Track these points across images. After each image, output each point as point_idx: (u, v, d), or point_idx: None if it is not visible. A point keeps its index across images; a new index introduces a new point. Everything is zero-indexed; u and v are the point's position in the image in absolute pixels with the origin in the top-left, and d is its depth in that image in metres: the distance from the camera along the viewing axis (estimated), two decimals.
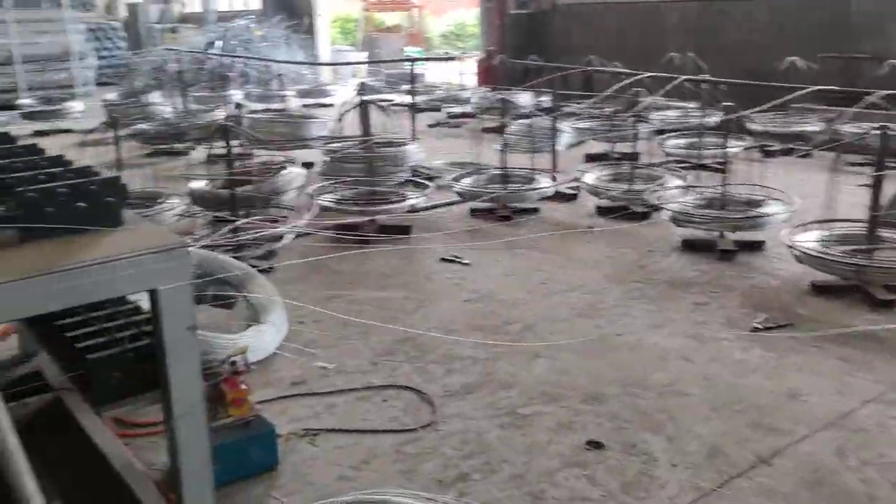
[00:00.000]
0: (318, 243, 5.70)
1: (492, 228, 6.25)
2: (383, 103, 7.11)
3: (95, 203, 2.05)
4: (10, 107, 14.24)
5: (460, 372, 3.75)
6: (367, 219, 5.99)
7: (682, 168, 7.09)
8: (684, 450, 3.07)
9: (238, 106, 7.16)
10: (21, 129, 12.53)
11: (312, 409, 3.44)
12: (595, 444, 3.11)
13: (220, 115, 7.61)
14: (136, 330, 2.22)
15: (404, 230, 6.03)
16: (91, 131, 6.84)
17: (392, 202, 6.28)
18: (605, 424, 3.26)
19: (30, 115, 12.92)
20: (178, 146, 9.99)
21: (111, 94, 14.38)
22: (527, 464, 2.99)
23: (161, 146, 10.13)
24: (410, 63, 8.48)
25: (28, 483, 2.59)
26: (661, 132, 8.65)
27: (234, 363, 2.93)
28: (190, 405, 2.05)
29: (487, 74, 13.83)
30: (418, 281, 5.08)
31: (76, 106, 13.28)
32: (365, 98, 6.33)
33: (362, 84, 7.92)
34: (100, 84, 17.71)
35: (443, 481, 2.90)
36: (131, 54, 19.77)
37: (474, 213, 6.64)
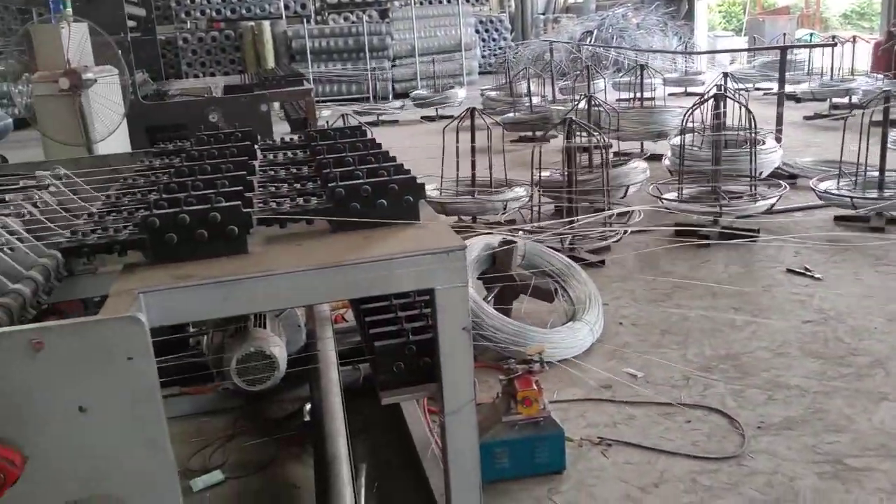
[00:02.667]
0: (654, 242, 5.51)
1: (858, 239, 5.46)
2: (744, 94, 6.57)
3: (395, 201, 2.18)
4: (406, 94, 16.01)
5: (783, 403, 3.35)
6: (710, 219, 5.62)
7: None
8: None
9: (589, 97, 7.12)
10: (411, 115, 14.05)
11: (611, 417, 3.33)
12: None
13: (582, 105, 7.69)
14: (423, 323, 2.32)
15: (751, 234, 5.54)
16: (457, 118, 7.36)
17: (741, 203, 5.81)
18: None
19: (420, 103, 14.36)
20: (540, 134, 10.36)
21: (490, 83, 15.42)
22: None
23: (525, 133, 10.61)
24: (781, 49, 7.69)
25: (340, 444, 2.91)
26: None
27: (530, 361, 2.95)
28: (460, 404, 2.10)
29: (886, 59, 12.09)
30: (755, 293, 4.63)
31: (459, 94, 14.44)
32: (719, 90, 5.91)
33: (725, 74, 7.39)
34: (483, 73, 19.05)
35: None
36: (513, 45, 20.90)
37: (840, 220, 5.86)
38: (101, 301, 2.84)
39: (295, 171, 2.68)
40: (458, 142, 6.50)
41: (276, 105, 10.75)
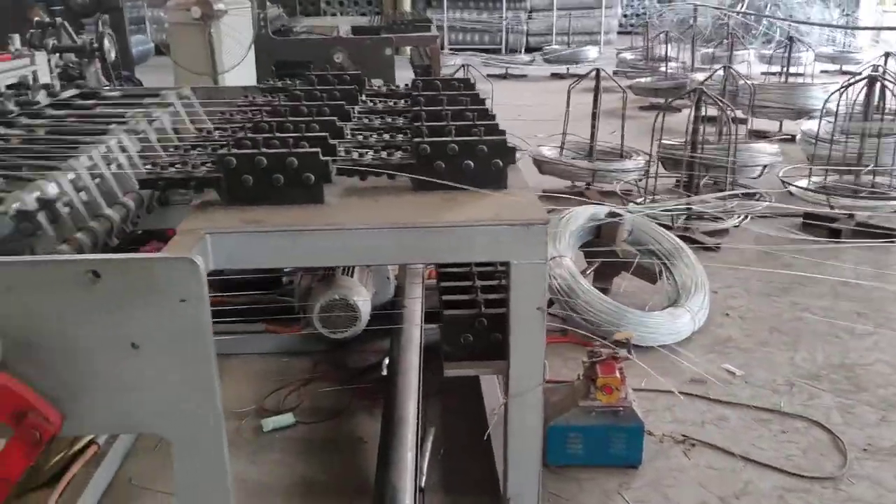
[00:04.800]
0: (777, 230, 5.12)
1: None
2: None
3: (482, 163, 2.04)
4: (539, 49, 15.62)
5: None
6: (843, 212, 5.16)
7: None
8: None
9: (726, 67, 6.66)
10: (540, 71, 13.70)
11: (701, 415, 3.11)
12: None
13: (719, 74, 7.23)
14: (500, 296, 2.19)
15: (891, 234, 5.05)
16: (581, 77, 7.04)
17: (886, 196, 5.31)
18: None
19: (551, 59, 13.98)
20: (673, 102, 9.86)
21: (629, 44, 14.81)
22: None
23: (656, 101, 10.13)
24: None
25: (410, 406, 2.84)
26: None
27: (615, 347, 2.78)
28: (526, 387, 1.98)
29: None
30: (884, 299, 4.21)
31: (592, 52, 13.95)
32: (874, 73, 5.37)
33: (887, 54, 6.72)
34: (622, 33, 18.31)
35: None
36: (658, 5, 19.97)
37: None
38: None
39: (390, 121, 2.58)
40: (568, 105, 6.23)
41: (408, 50, 10.69)
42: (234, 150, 1.94)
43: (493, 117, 2.46)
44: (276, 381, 3.29)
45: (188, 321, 1.57)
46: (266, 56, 6.85)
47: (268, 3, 7.30)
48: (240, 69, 6.06)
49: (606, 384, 2.69)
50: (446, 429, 2.96)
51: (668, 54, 11.17)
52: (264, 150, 1.94)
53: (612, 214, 4.04)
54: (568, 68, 13.28)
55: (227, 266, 1.83)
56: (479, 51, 16.09)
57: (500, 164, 2.05)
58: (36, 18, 4.19)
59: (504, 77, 12.83)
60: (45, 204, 1.84)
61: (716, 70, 6.90)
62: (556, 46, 15.09)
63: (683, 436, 2.96)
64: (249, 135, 2.10)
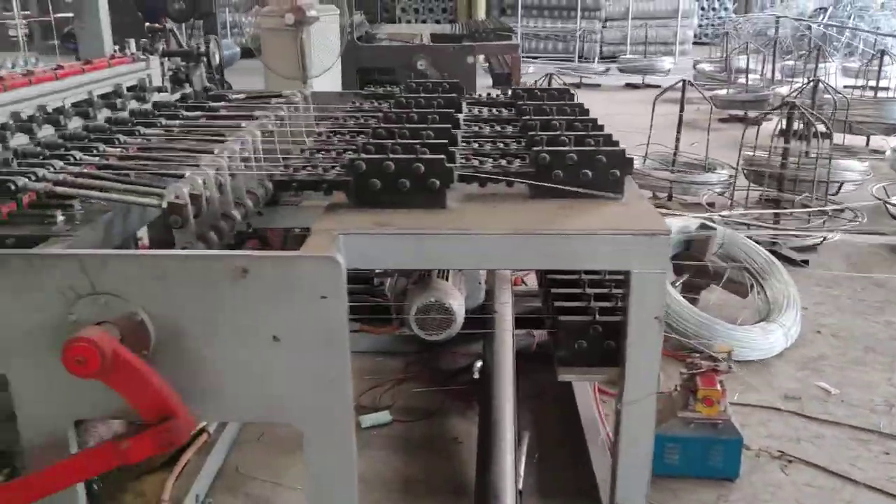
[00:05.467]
0: (869, 247, 5.01)
1: None
2: None
3: (600, 173, 2.08)
4: (613, 58, 15.54)
5: None
6: None
7: None
8: None
9: (816, 81, 6.53)
10: (615, 80, 13.64)
11: (796, 431, 3.08)
12: None
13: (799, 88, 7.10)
14: (612, 304, 2.22)
15: None
16: (667, 88, 7.00)
17: None
18: None
19: (626, 68, 13.89)
20: (753, 115, 9.71)
21: (704, 55, 14.63)
22: None
23: (735, 112, 9.98)
24: None
25: (507, 409, 2.89)
26: None
27: (716, 360, 2.77)
28: (642, 394, 2.00)
29: None
30: None
31: (666, 63, 13.81)
32: None
33: None
34: (697, 43, 18.09)
35: None
36: (734, 16, 19.65)
37: None
38: (302, 233, 2.97)
39: (499, 129, 2.64)
40: (653, 117, 6.20)
41: (481, 57, 10.77)
42: (364, 156, 2.01)
43: (601, 127, 2.50)
44: (371, 379, 3.37)
45: (327, 317, 1.65)
46: (350, 62, 7.01)
47: (353, 11, 7.46)
48: (326, 74, 6.21)
49: (707, 396, 2.69)
50: (539, 435, 2.99)
51: (749, 66, 10.99)
52: (392, 156, 2.01)
53: (703, 227, 4.02)
54: (643, 79, 13.18)
55: (357, 266, 1.90)
56: (552, 59, 16.11)
57: (618, 174, 2.09)
58: (147, 24, 4.39)
59: (578, 86, 12.79)
60: (194, 199, 1.94)
61: (806, 84, 6.76)
62: (631, 56, 14.99)
63: (780, 451, 2.93)
64: (373, 141, 2.18)
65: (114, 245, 2.14)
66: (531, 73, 11.73)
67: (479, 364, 3.43)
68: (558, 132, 2.28)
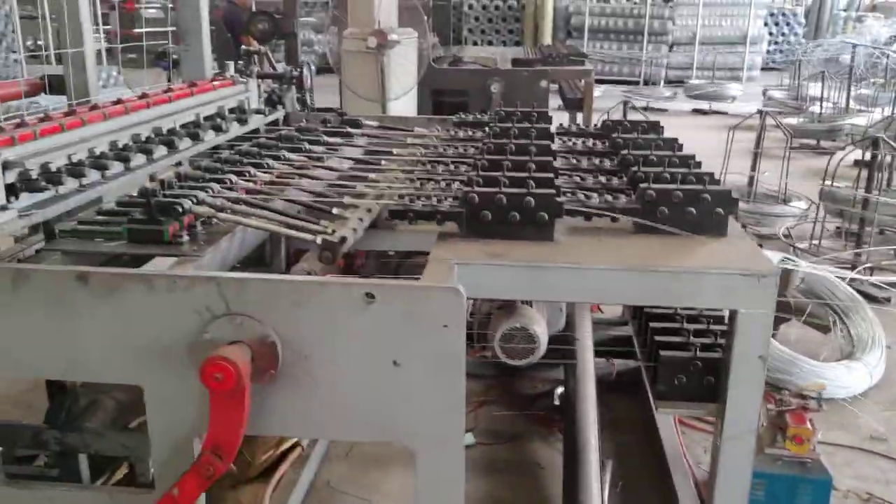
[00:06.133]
0: None
1: None
2: None
3: (705, 212, 2.12)
4: (679, 82, 15.46)
5: None
6: None
7: None
8: None
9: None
10: (681, 105, 13.55)
11: (884, 474, 3.05)
12: None
13: (877, 119, 7.00)
14: (712, 340, 2.25)
15: None
16: (745, 117, 6.95)
17: None
18: None
19: (693, 94, 13.80)
20: (825, 145, 9.58)
21: (772, 82, 14.45)
22: None
23: (806, 142, 9.84)
24: None
25: (591, 435, 2.93)
26: None
27: (806, 397, 2.77)
28: (742, 430, 2.03)
29: None
30: None
31: (733, 89, 13.68)
32: None
33: None
34: (765, 69, 17.85)
35: None
36: (805, 42, 19.36)
37: None
38: (400, 257, 3.07)
39: (597, 162, 2.69)
40: (728, 148, 6.17)
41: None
42: (477, 189, 2.09)
43: (699, 164, 2.55)
44: None
45: (447, 345, 1.72)
46: (426, 83, 7.14)
47: (430, 34, 7.60)
48: (403, 96, 6.36)
49: (797, 434, 2.68)
50: (622, 464, 3.01)
51: (823, 95, 10.83)
52: (504, 189, 2.09)
53: (784, 261, 4.00)
54: (710, 104, 13.08)
55: (470, 295, 1.97)
56: (617, 82, 16.07)
57: (722, 213, 2.13)
58: (243, 46, 4.56)
59: (645, 110, 12.74)
60: (343, 239, 2.02)
61: (890, 119, 6.65)
62: (697, 81, 14.88)
63: (868, 493, 2.91)
64: (483, 173, 2.26)
65: (230, 265, 2.26)
66: (598, 97, 11.72)
67: (559, 390, 3.48)
68: (661, 168, 2.32)
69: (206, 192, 2.12)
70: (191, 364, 1.71)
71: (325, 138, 2.86)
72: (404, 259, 3.29)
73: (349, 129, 3.03)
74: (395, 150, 2.79)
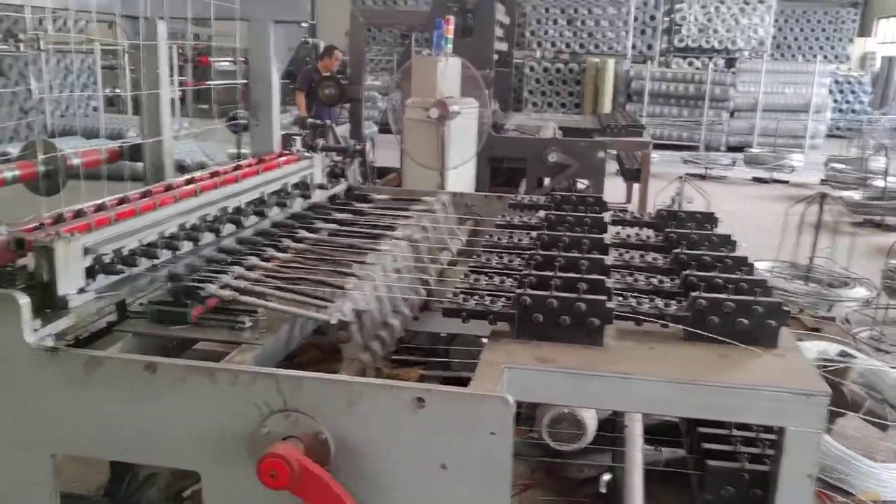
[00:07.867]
0: None
1: None
2: None
3: (756, 322, 2.13)
4: (740, 149, 15.35)
5: None
6: None
7: None
8: None
9: None
10: (741, 173, 13.45)
11: None
12: None
13: None
14: (760, 451, 2.24)
15: None
16: (805, 201, 6.85)
17: None
18: None
19: (753, 161, 13.69)
20: (890, 221, 9.39)
21: (836, 150, 14.25)
22: None
23: (871, 217, 9.66)
24: None
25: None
26: None
27: None
28: None
29: None
30: None
31: (797, 159, 13.53)
32: None
33: None
34: (829, 136, 17.63)
35: None
36: (870, 110, 19.10)
37: None
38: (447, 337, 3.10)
39: (650, 259, 2.71)
40: (784, 230, 6.11)
41: None
42: (529, 291, 2.15)
43: (751, 266, 2.55)
44: None
45: (494, 451, 1.76)
46: (484, 150, 7.28)
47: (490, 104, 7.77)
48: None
49: None
50: None
51: (888, 168, 10.64)
52: (555, 293, 2.14)
53: (842, 354, 3.93)
54: (771, 174, 12.96)
55: (520, 398, 2.01)
56: (677, 147, 16.06)
57: (774, 324, 2.14)
58: (309, 120, 4.74)
59: (703, 177, 12.70)
60: (359, 315, 2.12)
61: None
62: (758, 150, 14.76)
63: None
64: (535, 272, 2.31)
65: (290, 351, 2.35)
66: (656, 161, 11.73)
67: (606, 477, 3.46)
68: (713, 273, 2.34)
69: (229, 274, 2.25)
70: (248, 455, 1.79)
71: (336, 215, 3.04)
72: (455, 335, 3.34)
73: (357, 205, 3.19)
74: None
